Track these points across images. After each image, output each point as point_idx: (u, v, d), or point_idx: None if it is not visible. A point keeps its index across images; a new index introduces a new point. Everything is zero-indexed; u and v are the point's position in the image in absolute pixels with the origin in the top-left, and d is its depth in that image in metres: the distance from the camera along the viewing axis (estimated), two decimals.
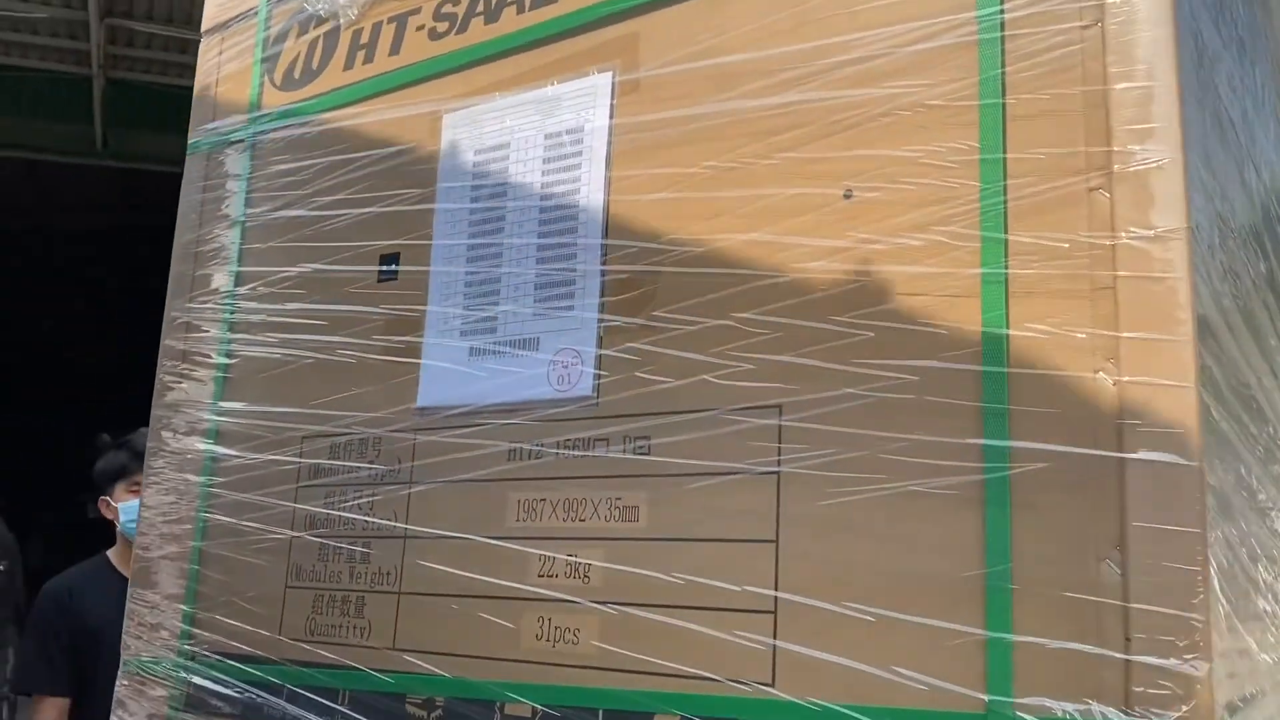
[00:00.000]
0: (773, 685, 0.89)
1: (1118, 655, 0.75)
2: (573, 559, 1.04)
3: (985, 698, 0.79)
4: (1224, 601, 0.78)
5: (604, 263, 1.09)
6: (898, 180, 0.92)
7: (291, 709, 1.21)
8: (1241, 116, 1.08)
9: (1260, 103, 1.20)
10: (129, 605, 1.44)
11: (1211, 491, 0.78)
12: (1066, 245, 0.82)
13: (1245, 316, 0.99)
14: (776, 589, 0.91)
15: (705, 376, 0.99)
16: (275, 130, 1.45)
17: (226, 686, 1.28)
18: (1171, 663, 0.73)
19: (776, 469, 0.93)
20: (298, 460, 1.30)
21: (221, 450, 1.38)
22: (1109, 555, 0.77)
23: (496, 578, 1.08)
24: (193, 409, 1.43)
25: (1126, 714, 0.74)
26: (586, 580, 1.03)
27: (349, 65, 1.39)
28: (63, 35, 5.64)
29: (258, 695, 1.25)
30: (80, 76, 5.79)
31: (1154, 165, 0.80)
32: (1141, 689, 0.74)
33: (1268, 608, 0.89)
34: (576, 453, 1.07)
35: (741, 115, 1.02)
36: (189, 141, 1.57)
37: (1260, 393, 1.01)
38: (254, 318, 1.41)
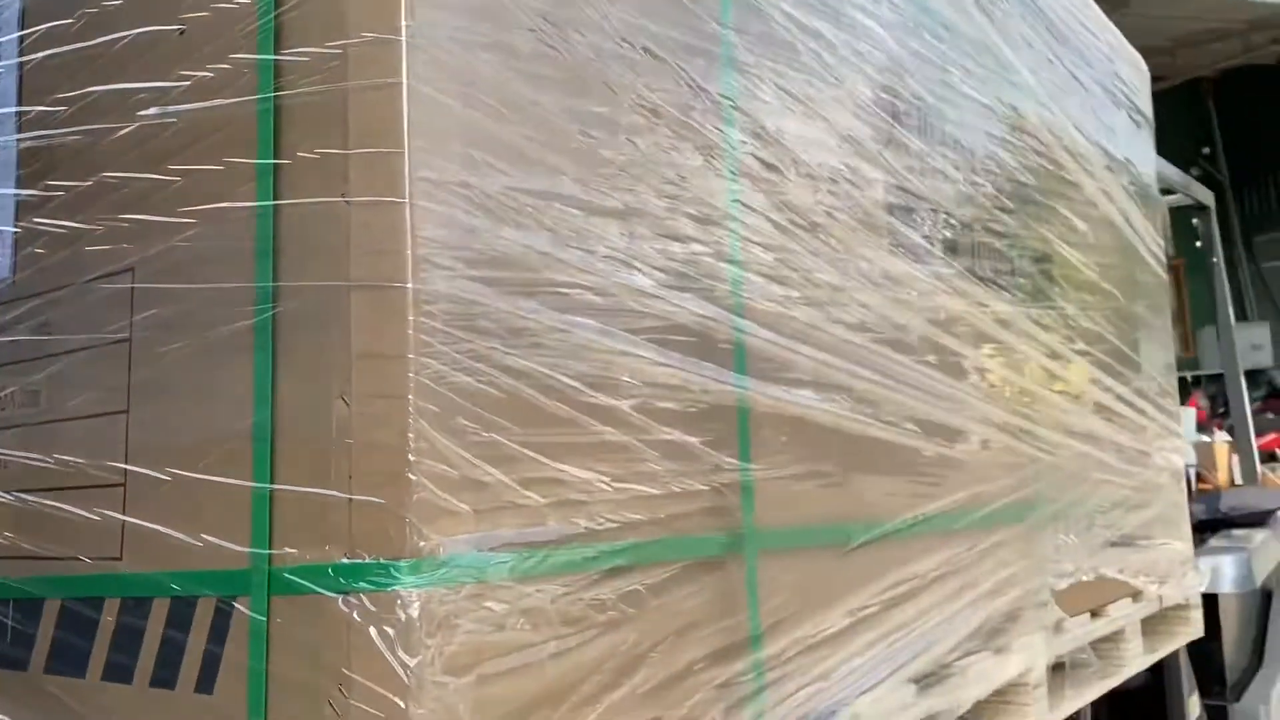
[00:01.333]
0: (120, 559, 0.85)
1: (343, 496, 0.70)
2: None
3: (248, 551, 0.74)
4: (482, 430, 0.72)
5: (19, 131, 1.01)
6: (203, 9, 0.83)
7: None
8: None
9: None
10: None
11: (457, 311, 0.72)
12: (309, 59, 0.74)
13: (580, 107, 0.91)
14: (126, 461, 0.86)
15: (81, 245, 0.92)
16: None
17: None
18: (381, 500, 0.68)
19: (128, 335, 0.87)
20: None
21: None
22: (343, 391, 0.71)
23: None
24: None
25: (350, 558, 0.69)
26: (6, 469, 0.98)
27: None
28: None
29: None
30: None
31: None
32: (361, 530, 0.69)
33: (630, 438, 0.84)
34: (4, 339, 1.01)
35: None
36: None
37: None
38: None
